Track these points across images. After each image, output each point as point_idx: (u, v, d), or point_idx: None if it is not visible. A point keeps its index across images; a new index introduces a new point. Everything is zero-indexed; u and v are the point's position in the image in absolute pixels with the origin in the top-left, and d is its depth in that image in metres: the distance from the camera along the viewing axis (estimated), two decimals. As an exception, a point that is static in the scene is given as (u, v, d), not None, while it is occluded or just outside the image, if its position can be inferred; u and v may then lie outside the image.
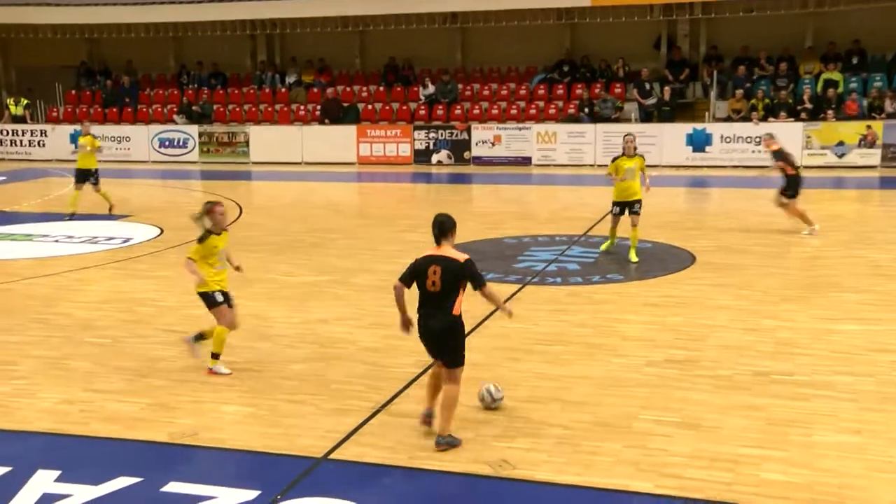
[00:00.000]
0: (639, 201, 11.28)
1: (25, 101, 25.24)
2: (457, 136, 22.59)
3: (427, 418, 6.15)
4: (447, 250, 5.96)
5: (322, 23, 24.21)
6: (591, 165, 21.35)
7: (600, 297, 9.77)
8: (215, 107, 24.97)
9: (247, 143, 23.75)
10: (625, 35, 22.96)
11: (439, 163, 22.65)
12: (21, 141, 24.86)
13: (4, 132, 24.91)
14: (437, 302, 5.86)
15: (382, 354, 7.81)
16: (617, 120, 21.94)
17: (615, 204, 11.40)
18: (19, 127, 24.86)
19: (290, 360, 7.78)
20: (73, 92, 26.46)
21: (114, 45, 26.78)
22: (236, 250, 12.55)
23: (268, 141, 23.68)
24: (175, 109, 25.06)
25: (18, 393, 7.12)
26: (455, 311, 5.87)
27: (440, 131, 22.70)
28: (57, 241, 13.53)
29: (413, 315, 6.00)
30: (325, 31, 24.48)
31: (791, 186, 12.63)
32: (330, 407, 6.65)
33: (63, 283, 10.81)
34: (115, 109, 25.46)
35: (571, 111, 22.65)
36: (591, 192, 18.26)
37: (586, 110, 22.22)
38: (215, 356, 7.49)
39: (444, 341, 5.93)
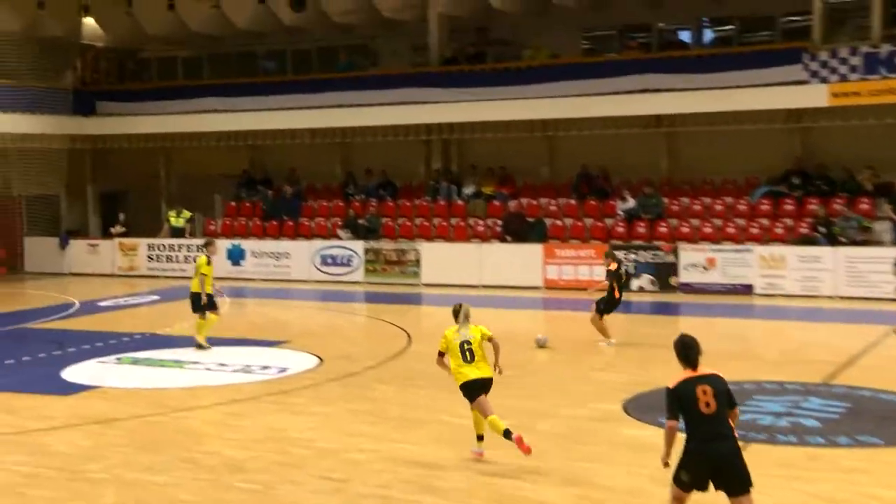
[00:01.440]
0: None
1: (188, 214, 27.44)
2: (661, 258, 22.34)
3: None
4: (705, 369, 6.68)
5: (505, 127, 25.11)
6: (830, 297, 20.40)
7: (849, 463, 9.20)
8: (383, 220, 26.16)
9: (417, 262, 24.56)
10: (873, 139, 22.20)
11: (640, 289, 22.39)
12: (177, 256, 27.03)
13: (161, 247, 27.20)
14: (716, 424, 6.48)
15: (574, 522, 7.63)
16: (864, 243, 20.97)
17: None
18: (176, 241, 27.05)
19: (463, 522, 7.75)
20: (233, 203, 28.66)
21: (277, 153, 28.97)
22: (402, 384, 12.88)
23: (441, 260, 24.39)
24: (339, 223, 26.46)
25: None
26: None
27: (641, 252, 22.56)
28: (209, 369, 14.40)
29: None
30: (508, 135, 25.35)
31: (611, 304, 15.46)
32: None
33: (214, 418, 11.44)
34: (275, 223, 27.26)
35: (804, 230, 21.91)
36: (830, 329, 17.40)
37: (823, 230, 21.43)
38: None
39: (736, 464, 6.44)
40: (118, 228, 28.06)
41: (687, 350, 6.72)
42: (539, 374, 13.31)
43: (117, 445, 10.25)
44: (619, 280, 15.66)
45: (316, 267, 25.50)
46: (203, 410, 11.81)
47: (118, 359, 15.14)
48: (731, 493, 6.42)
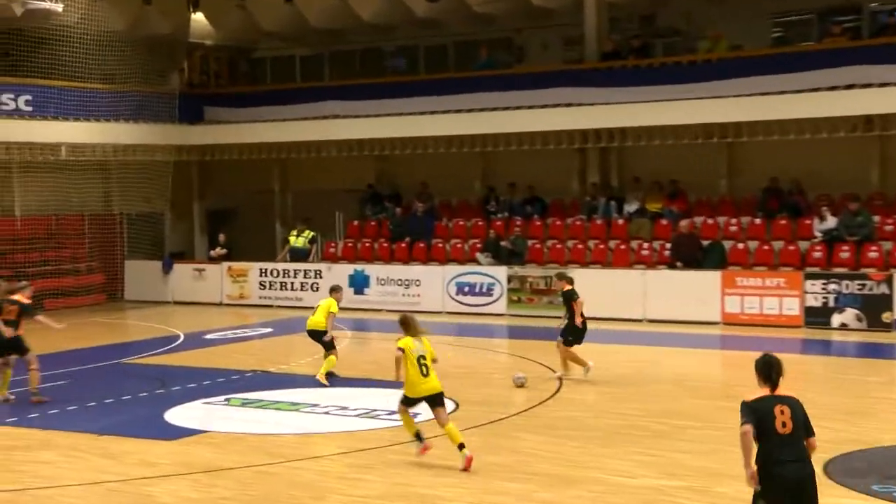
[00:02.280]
0: None
1: (310, 234, 28.14)
2: (871, 288, 21.57)
3: None
4: (784, 391, 7.52)
5: (676, 133, 24.80)
6: None
7: None
8: (530, 243, 26.20)
9: (569, 292, 24.49)
10: None
11: (844, 326, 21.66)
12: (293, 284, 27.72)
13: (274, 273, 27.95)
14: (792, 445, 7.29)
15: None
16: None
17: None
18: (293, 266, 27.73)
19: None
20: (356, 222, 29.22)
21: (407, 164, 29.38)
22: (551, 434, 12.81)
23: (598, 289, 23.99)
24: (479, 245, 26.64)
25: None
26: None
27: (845, 282, 21.83)
28: (328, 412, 14.70)
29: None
30: (679, 143, 25.02)
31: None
32: None
33: (334, 469, 11.66)
34: (404, 245, 27.65)
35: None
36: None
37: None
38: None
39: (812, 489, 7.24)
40: (218, 251, 28.99)
41: (769, 368, 7.64)
42: (722, 427, 13.01)
43: (226, 499, 10.56)
44: (571, 301, 16.54)
45: (450, 296, 25.71)
46: (322, 461, 12.04)
47: (226, 399, 15.61)
48: None
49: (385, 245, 28.00)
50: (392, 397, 15.33)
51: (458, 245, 27.15)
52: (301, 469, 11.70)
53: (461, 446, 11.44)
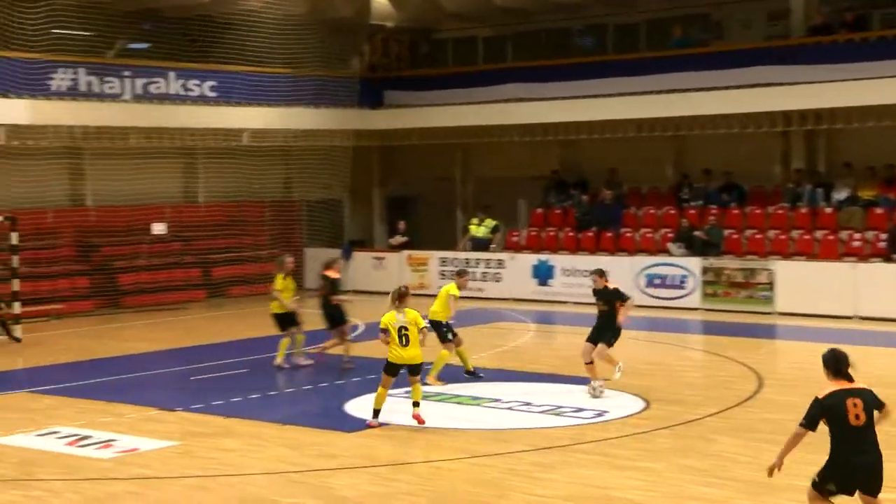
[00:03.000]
0: None
1: (493, 223, 28.29)
2: None
3: None
4: (855, 383, 8.15)
5: (892, 113, 23.76)
6: None
7: None
8: (727, 233, 25.67)
9: (771, 286, 23.86)
10: None
11: None
12: (473, 273, 27.79)
13: (455, 261, 28.11)
14: (865, 436, 8.01)
15: None
16: None
17: None
18: (474, 255, 27.90)
19: None
20: (540, 210, 29.17)
21: (594, 150, 29.12)
22: (750, 437, 12.47)
23: (802, 283, 23.53)
24: (670, 235, 26.24)
25: None
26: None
27: None
28: (511, 408, 14.75)
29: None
30: (896, 124, 24.03)
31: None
32: None
33: (516, 467, 11.68)
34: (590, 234, 27.47)
35: None
36: None
37: None
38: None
39: (880, 474, 8.05)
40: (398, 239, 29.43)
41: (838, 362, 8.26)
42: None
43: (408, 494, 10.72)
44: (618, 299, 15.40)
45: (640, 289, 25.38)
46: (505, 458, 12.08)
47: (407, 392, 15.83)
48: (868, 495, 8.18)
49: (570, 234, 27.88)
50: (577, 394, 15.34)
51: (649, 235, 26.79)
52: (483, 466, 11.78)
53: (416, 404, 13.39)
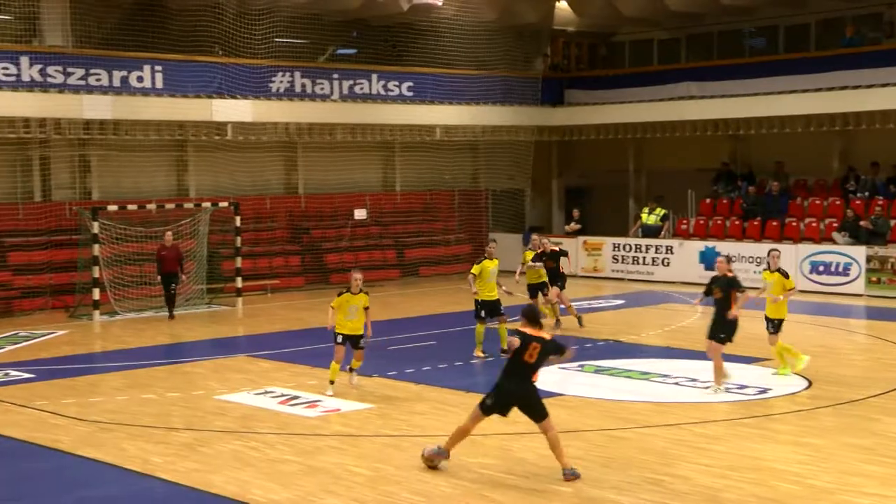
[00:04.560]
0: None
1: (663, 212, 27.82)
2: None
3: None
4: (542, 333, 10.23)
5: None
6: None
7: None
8: (893, 223, 24.50)
9: (934, 275, 22.67)
10: None
11: None
12: (644, 258, 27.50)
13: (627, 247, 27.87)
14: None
15: None
16: None
17: None
18: (644, 242, 27.54)
19: None
20: (708, 200, 28.46)
21: (762, 144, 28.24)
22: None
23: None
24: (835, 224, 25.20)
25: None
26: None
27: None
28: (678, 383, 14.45)
29: None
30: None
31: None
32: None
33: (684, 438, 11.42)
34: (756, 223, 26.62)
35: None
36: None
37: None
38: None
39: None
40: (573, 226, 29.19)
41: (532, 313, 10.46)
42: None
43: (580, 458, 10.60)
44: (734, 288, 13.70)
45: (804, 274, 24.46)
46: (672, 429, 11.84)
47: (581, 366, 15.71)
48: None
49: (737, 223, 27.12)
50: (743, 371, 14.87)
51: (813, 224, 25.78)
52: (651, 436, 11.57)
53: (351, 369, 13.85)
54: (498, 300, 16.61)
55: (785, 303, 14.73)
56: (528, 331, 10.17)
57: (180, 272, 21.27)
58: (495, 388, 10.28)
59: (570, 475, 9.85)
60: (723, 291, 13.76)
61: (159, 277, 21.13)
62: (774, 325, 14.70)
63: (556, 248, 19.71)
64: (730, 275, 14.01)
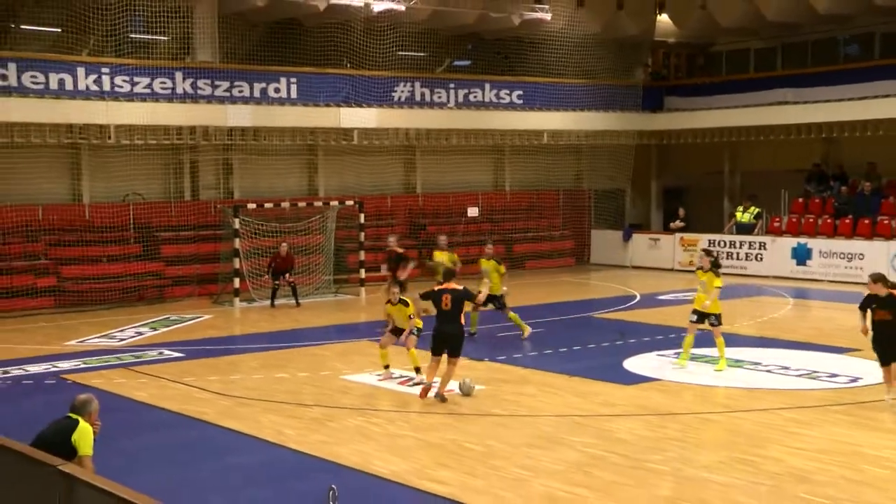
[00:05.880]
0: None
1: (756, 210, 27.16)
2: None
3: None
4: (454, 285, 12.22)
5: None
6: None
7: None
8: (980, 222, 23.38)
9: None
10: None
11: None
12: (738, 254, 26.88)
13: (721, 243, 27.27)
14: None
15: None
16: None
17: None
18: (738, 238, 26.93)
19: None
20: (800, 199, 27.65)
21: (854, 145, 27.27)
22: None
23: None
24: (925, 223, 24.22)
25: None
26: None
27: None
28: (769, 371, 14.09)
29: None
30: None
31: None
32: None
33: (774, 422, 11.15)
34: (847, 221, 25.75)
35: None
36: None
37: None
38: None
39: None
40: (678, 223, 28.69)
41: (448, 272, 12.64)
42: None
43: (675, 440, 10.47)
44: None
45: (894, 269, 23.56)
46: (763, 414, 11.57)
47: (677, 354, 15.44)
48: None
49: (829, 221, 26.25)
50: (832, 360, 14.45)
51: (905, 222, 24.82)
52: (743, 420, 11.33)
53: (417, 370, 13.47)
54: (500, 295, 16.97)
55: (716, 297, 14.10)
56: (444, 286, 12.30)
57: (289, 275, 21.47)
58: (433, 332, 12.25)
59: (441, 399, 12.02)
60: (891, 313, 11.45)
61: (272, 280, 21.48)
62: (717, 318, 14.10)
63: (400, 252, 19.20)
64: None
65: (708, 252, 14.68)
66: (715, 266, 14.26)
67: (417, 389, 12.65)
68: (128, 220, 23.18)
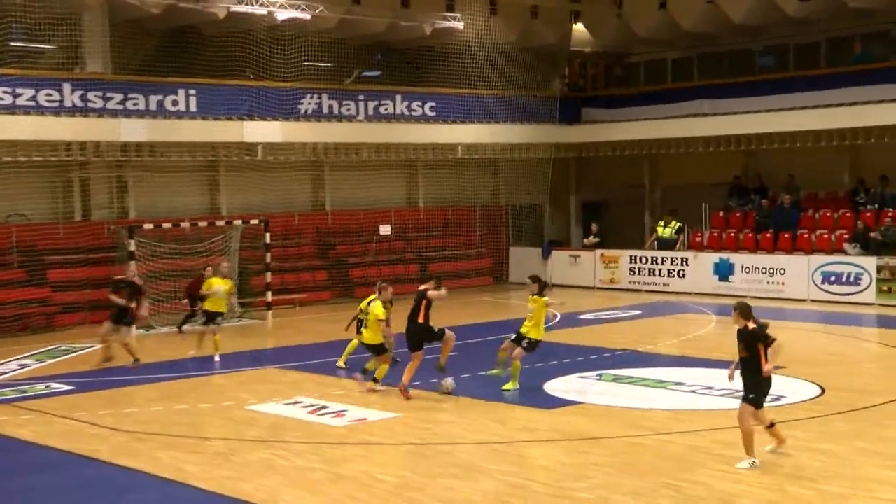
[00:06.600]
0: None
1: (677, 224, 27.63)
2: None
3: None
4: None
5: None
6: None
7: None
8: (900, 234, 24.22)
9: (942, 284, 22.38)
10: None
11: None
12: (660, 270, 27.34)
13: (643, 259, 27.70)
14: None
15: None
16: None
17: None
18: (660, 254, 27.35)
19: None
20: (721, 213, 28.27)
21: (773, 158, 28.02)
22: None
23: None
24: (846, 236, 24.96)
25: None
26: None
27: None
28: (694, 391, 14.31)
29: None
30: None
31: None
32: None
33: (700, 444, 11.30)
34: (768, 235, 26.41)
35: None
36: None
37: None
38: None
39: None
40: (591, 239, 29.08)
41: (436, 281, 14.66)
42: None
43: (600, 465, 10.52)
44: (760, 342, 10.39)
45: (816, 285, 24.26)
46: (688, 436, 11.72)
47: (599, 375, 15.61)
48: None
49: (750, 235, 26.91)
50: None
51: (825, 235, 25.54)
52: (670, 443, 11.45)
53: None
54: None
55: (541, 324, 14.61)
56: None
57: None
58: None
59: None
60: (747, 348, 10.54)
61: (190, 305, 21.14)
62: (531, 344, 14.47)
63: (134, 280, 18.86)
64: (750, 327, 10.59)
65: (535, 279, 14.82)
66: (541, 291, 14.57)
67: (329, 418, 12.47)
68: (10, 242, 22.48)
